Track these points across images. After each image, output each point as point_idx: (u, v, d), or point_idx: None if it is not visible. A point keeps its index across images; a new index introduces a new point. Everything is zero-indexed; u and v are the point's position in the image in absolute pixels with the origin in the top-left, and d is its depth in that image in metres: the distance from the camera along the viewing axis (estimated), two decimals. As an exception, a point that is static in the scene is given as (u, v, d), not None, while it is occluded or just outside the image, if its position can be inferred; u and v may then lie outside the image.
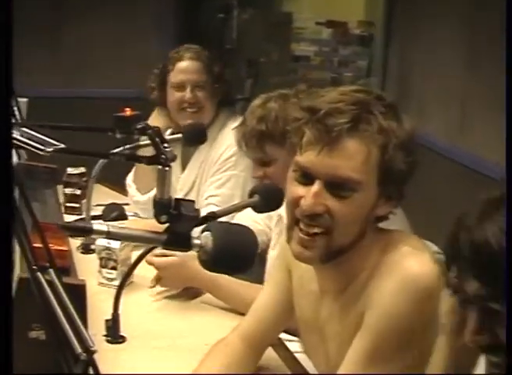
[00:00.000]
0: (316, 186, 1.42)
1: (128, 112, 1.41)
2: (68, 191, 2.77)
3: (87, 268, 2.18)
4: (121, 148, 2.06)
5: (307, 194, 1.42)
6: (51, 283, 1.50)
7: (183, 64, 2.69)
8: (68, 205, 2.77)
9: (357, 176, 1.40)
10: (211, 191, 2.62)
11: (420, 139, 3.35)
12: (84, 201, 2.83)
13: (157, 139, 1.19)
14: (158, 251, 2.12)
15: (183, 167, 2.74)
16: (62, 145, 1.31)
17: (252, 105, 2.11)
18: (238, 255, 1.20)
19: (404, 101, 3.60)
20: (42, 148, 1.31)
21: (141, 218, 2.79)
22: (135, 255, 2.22)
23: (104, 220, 2.67)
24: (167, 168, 1.12)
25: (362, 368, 1.44)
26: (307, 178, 1.44)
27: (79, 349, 1.41)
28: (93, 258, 2.28)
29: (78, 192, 2.79)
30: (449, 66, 3.29)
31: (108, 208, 2.74)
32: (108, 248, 2.18)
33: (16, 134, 1.36)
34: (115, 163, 2.11)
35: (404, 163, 1.42)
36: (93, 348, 1.43)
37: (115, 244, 2.18)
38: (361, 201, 1.42)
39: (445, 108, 3.30)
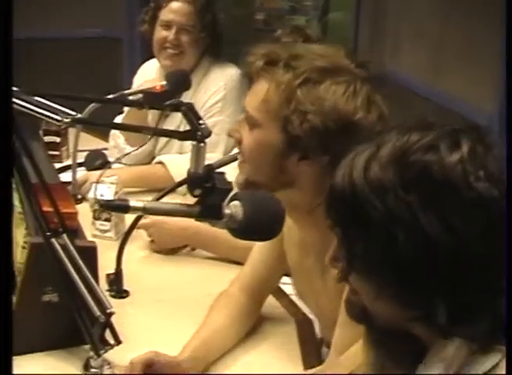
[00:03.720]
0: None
1: (158, 87, 1.38)
2: (47, 138, 2.74)
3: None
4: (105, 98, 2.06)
5: None
6: (64, 247, 1.52)
7: (176, 4, 2.65)
8: (48, 152, 2.73)
9: (254, 113, 1.49)
10: (196, 137, 2.61)
11: (395, 77, 3.39)
12: (64, 148, 2.82)
13: (191, 115, 1.19)
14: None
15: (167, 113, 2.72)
16: (79, 115, 1.30)
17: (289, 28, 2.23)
18: (267, 223, 1.23)
19: (379, 39, 3.59)
20: (59, 118, 1.29)
21: (124, 164, 2.77)
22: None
23: (88, 169, 2.65)
24: (202, 144, 1.13)
25: None
26: None
27: (97, 312, 1.44)
28: (81, 208, 2.26)
29: (58, 140, 2.77)
30: (425, 8, 3.28)
31: (91, 156, 2.70)
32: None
33: (29, 105, 1.34)
34: (98, 110, 2.10)
35: (303, 129, 1.42)
36: (110, 310, 1.46)
37: (108, 196, 2.18)
38: (261, 137, 1.49)
39: (420, 49, 3.31)
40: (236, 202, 1.19)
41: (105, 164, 2.68)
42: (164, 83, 2.11)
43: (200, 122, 1.17)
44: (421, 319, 0.99)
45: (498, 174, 0.94)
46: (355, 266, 0.99)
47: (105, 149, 2.83)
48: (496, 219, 0.94)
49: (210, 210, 1.16)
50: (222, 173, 1.19)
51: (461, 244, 0.92)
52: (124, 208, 1.12)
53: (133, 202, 1.12)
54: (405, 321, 1.01)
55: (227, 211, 1.18)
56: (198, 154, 1.13)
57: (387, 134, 0.98)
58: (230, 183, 1.18)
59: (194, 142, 1.12)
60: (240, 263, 2.04)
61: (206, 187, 1.14)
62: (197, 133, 1.14)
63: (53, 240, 1.49)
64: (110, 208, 1.17)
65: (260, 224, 1.21)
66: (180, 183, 1.78)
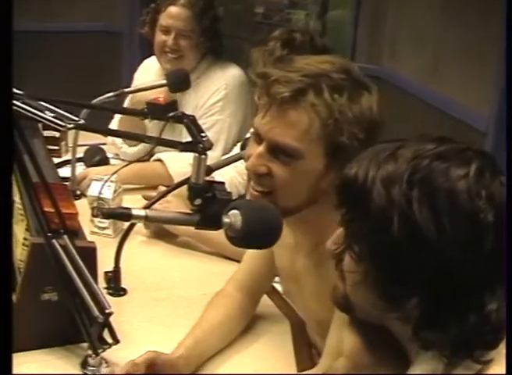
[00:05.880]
0: (261, 148, 1.46)
1: (162, 99, 1.40)
2: (47, 133, 2.74)
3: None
4: (106, 96, 2.09)
5: (253, 154, 1.48)
6: (64, 248, 1.54)
7: (174, 9, 2.67)
8: (47, 147, 2.74)
9: (295, 144, 1.43)
10: (195, 135, 2.63)
11: (393, 80, 3.39)
12: (63, 143, 2.83)
13: (193, 127, 1.21)
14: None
15: None
16: (82, 121, 1.32)
17: (278, 31, 2.21)
18: (265, 231, 1.26)
19: (377, 40, 3.60)
20: (62, 123, 1.31)
21: (122, 160, 2.80)
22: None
23: (87, 164, 2.68)
24: (203, 156, 1.15)
25: None
26: (258, 138, 1.49)
27: (96, 312, 1.47)
28: (80, 204, 2.28)
29: (57, 135, 2.78)
30: (425, 9, 3.29)
31: (90, 152, 2.73)
32: (100, 198, 2.20)
33: (32, 109, 1.36)
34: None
35: (356, 139, 1.42)
36: (109, 310, 1.49)
37: (107, 194, 2.20)
38: (303, 168, 1.45)
39: (418, 51, 3.32)
40: (235, 211, 1.21)
41: (104, 160, 2.71)
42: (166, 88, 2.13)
43: (202, 134, 1.20)
44: (396, 318, 1.05)
45: (499, 199, 0.99)
46: (350, 247, 1.06)
47: (104, 144, 2.84)
48: (484, 241, 0.98)
49: (209, 219, 1.19)
50: (222, 183, 1.22)
51: (447, 247, 0.97)
52: (126, 216, 1.14)
53: (136, 211, 1.15)
54: (381, 316, 1.07)
55: (226, 220, 1.20)
56: (199, 165, 1.16)
57: (410, 140, 1.06)
58: (230, 193, 1.20)
59: (196, 154, 1.15)
60: (232, 260, 2.09)
61: (206, 197, 1.17)
62: (198, 145, 1.16)
63: (54, 240, 1.52)
64: (112, 216, 1.19)
65: (258, 233, 1.23)
66: (179, 185, 1.81)
